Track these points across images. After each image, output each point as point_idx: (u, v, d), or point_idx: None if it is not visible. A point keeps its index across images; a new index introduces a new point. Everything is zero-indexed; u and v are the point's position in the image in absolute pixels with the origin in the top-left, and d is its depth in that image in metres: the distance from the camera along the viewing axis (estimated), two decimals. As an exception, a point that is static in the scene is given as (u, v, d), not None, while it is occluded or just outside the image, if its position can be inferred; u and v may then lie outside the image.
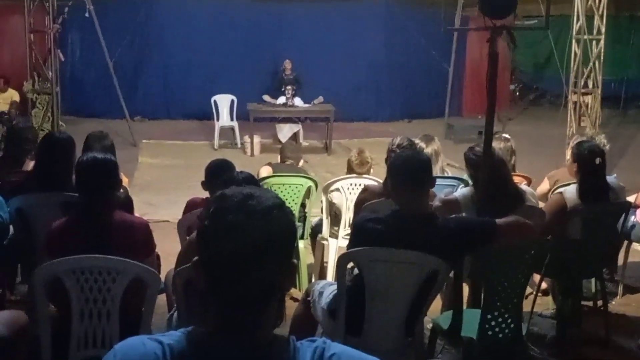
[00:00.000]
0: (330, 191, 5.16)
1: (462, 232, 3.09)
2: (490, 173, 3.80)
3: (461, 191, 4.24)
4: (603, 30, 9.48)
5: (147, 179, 9.00)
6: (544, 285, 4.50)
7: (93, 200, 3.15)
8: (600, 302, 4.51)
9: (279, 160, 6.00)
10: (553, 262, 3.55)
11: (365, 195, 4.43)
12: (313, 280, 5.01)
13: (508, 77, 15.80)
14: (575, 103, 9.44)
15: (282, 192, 5.03)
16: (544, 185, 5.14)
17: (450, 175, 5.20)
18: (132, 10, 13.13)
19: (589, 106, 9.49)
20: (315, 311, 3.36)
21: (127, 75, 12.90)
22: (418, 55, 13.80)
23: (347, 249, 3.22)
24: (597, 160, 4.19)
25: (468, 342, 3.38)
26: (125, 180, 4.58)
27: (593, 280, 4.61)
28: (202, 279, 1.34)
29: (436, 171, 4.67)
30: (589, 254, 4.26)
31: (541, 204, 4.40)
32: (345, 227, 5.00)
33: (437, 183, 3.47)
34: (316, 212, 5.54)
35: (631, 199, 4.79)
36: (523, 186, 4.34)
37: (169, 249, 4.26)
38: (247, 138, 10.89)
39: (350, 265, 3.25)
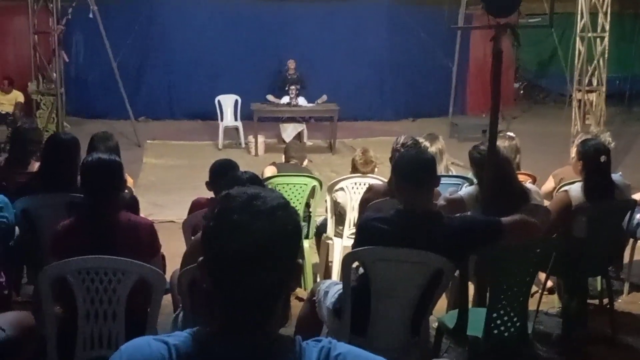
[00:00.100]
0: (335, 190, 5.17)
1: (467, 231, 3.08)
2: (495, 172, 3.80)
3: (466, 190, 4.22)
4: (607, 27, 9.46)
5: (151, 180, 9.01)
6: (549, 283, 4.48)
7: (98, 201, 3.16)
8: (606, 301, 4.50)
9: (283, 160, 6.00)
10: (558, 260, 3.53)
11: (370, 194, 4.43)
12: (318, 279, 5.01)
13: (512, 75, 15.77)
14: (579, 101, 9.43)
15: (286, 191, 5.03)
16: (549, 184, 5.12)
17: (454, 174, 5.19)
18: (136, 10, 13.13)
19: (594, 104, 9.47)
20: (321, 311, 3.35)
21: (131, 76, 12.88)
22: (422, 54, 13.76)
23: (352, 248, 3.22)
24: (602, 158, 4.18)
25: (474, 341, 3.38)
26: (130, 181, 4.59)
27: (599, 278, 4.61)
28: (207, 279, 1.34)
29: (441, 170, 4.67)
30: (594, 252, 4.25)
31: (546, 202, 4.39)
32: (349, 227, 5.00)
33: (441, 182, 3.47)
34: (321, 212, 5.54)
35: (636, 196, 4.76)
36: (528, 184, 4.34)
37: (174, 249, 4.25)
38: (251, 138, 10.90)
39: (355, 264, 3.25)
